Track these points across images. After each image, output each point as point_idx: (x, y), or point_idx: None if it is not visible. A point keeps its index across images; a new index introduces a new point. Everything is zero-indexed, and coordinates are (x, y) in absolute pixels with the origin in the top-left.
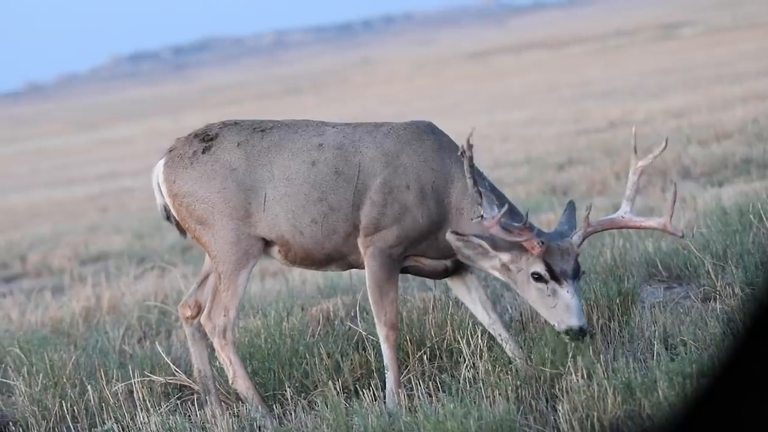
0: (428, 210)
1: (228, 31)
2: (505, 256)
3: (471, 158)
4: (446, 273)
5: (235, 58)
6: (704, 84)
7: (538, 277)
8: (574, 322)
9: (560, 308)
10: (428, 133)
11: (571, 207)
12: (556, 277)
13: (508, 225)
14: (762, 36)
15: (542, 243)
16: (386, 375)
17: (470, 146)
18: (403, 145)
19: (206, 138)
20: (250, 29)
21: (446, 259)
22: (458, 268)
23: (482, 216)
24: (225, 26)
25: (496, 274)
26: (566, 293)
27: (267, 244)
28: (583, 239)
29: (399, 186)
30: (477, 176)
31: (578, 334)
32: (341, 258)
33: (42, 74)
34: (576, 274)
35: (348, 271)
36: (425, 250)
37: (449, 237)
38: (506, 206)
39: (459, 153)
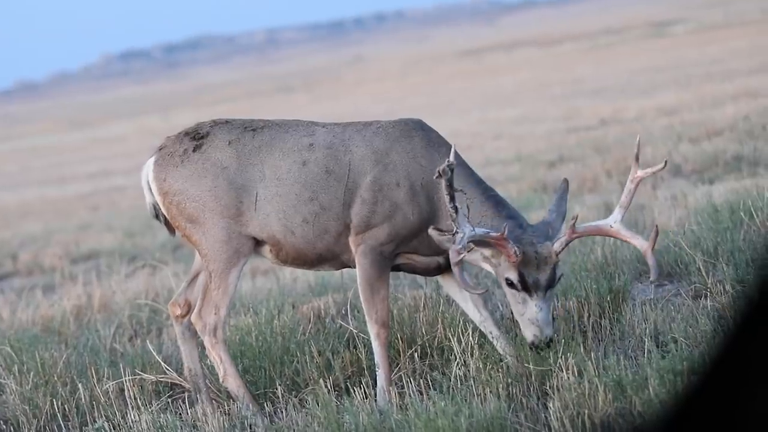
0: (419, 207)
1: (220, 30)
2: (486, 251)
3: (450, 179)
4: (439, 270)
5: (226, 57)
6: (695, 82)
7: (510, 284)
8: (537, 335)
9: (526, 318)
10: (417, 129)
11: (563, 187)
12: (527, 288)
13: (485, 236)
14: (753, 33)
15: (518, 253)
16: (377, 373)
17: (449, 168)
18: (392, 143)
19: (197, 136)
20: (241, 27)
21: (438, 256)
22: (450, 265)
23: (455, 233)
24: (217, 24)
25: (486, 266)
26: (534, 306)
27: (258, 243)
28: (566, 245)
29: (389, 183)
30: (468, 181)
31: (540, 346)
32: (333, 258)
33: (34, 73)
34: (550, 284)
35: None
36: (417, 247)
37: (431, 233)
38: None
39: (435, 177)
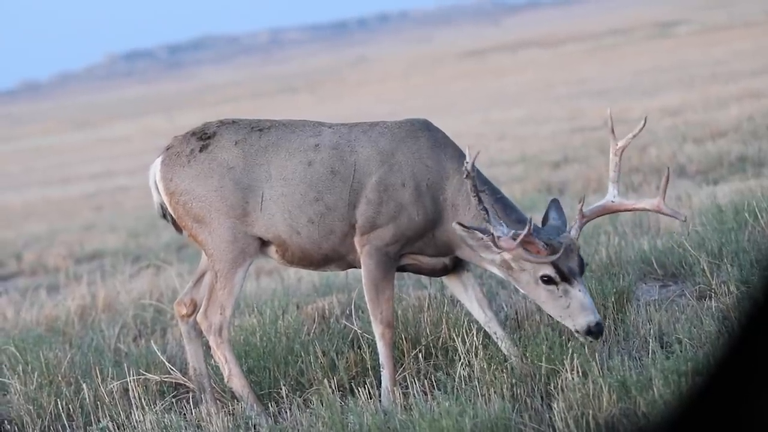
0: (424, 207)
1: (223, 30)
2: (507, 254)
3: (474, 179)
4: (445, 270)
5: (230, 57)
6: (699, 82)
7: (548, 280)
8: (592, 318)
9: (575, 308)
10: (423, 130)
11: (556, 204)
12: (565, 277)
13: (514, 234)
14: (757, 35)
15: (546, 246)
16: (382, 373)
17: (473, 167)
18: (398, 143)
19: (204, 136)
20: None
21: (444, 257)
22: (456, 266)
23: (495, 236)
24: (220, 25)
25: (495, 270)
26: (578, 292)
27: (264, 244)
28: (580, 230)
29: (394, 184)
30: (480, 185)
31: (599, 331)
32: (339, 258)
33: (38, 73)
34: (582, 270)
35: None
36: (422, 248)
37: (455, 227)
38: (528, 226)
39: (464, 176)
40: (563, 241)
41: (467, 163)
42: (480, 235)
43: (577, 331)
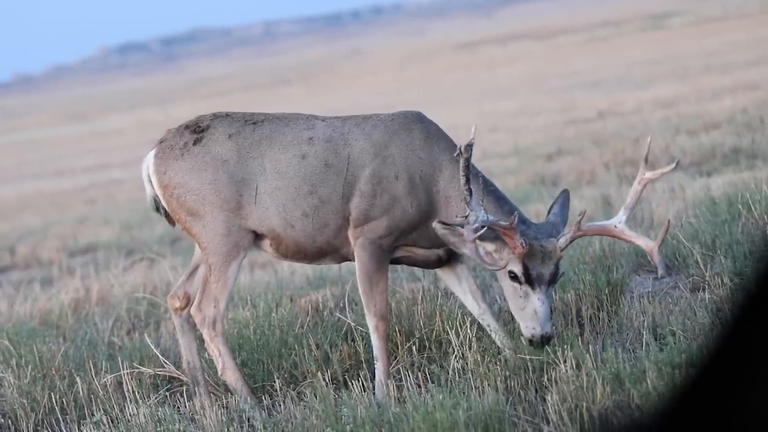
0: (417, 199)
1: (217, 22)
2: (489, 246)
3: (468, 159)
4: (439, 262)
5: (223, 49)
6: (693, 74)
7: (513, 276)
8: (537, 330)
9: (528, 312)
10: (416, 122)
11: (564, 196)
12: (530, 281)
13: (494, 223)
14: (751, 26)
15: (524, 244)
16: (376, 366)
17: (469, 147)
18: (391, 136)
19: (197, 129)
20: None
21: (438, 249)
22: (450, 258)
23: (466, 217)
24: (214, 17)
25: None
26: (536, 300)
27: (258, 237)
28: (570, 242)
29: (388, 176)
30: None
31: (540, 342)
32: (333, 251)
33: (31, 65)
34: (553, 279)
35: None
36: (416, 240)
37: (435, 226)
38: (513, 218)
39: (455, 154)
40: (546, 245)
41: (458, 148)
42: (461, 231)
43: (521, 334)
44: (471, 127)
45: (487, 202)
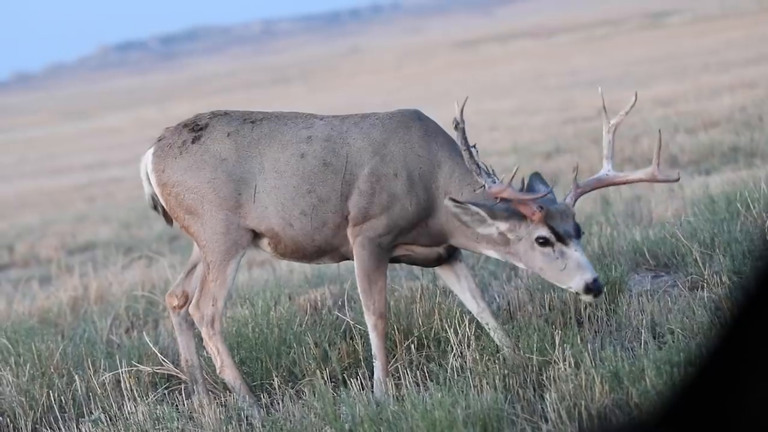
0: (417, 197)
1: (216, 21)
2: (503, 225)
3: (464, 130)
4: (439, 261)
5: (223, 48)
6: (692, 72)
7: (543, 242)
8: (589, 276)
9: (571, 268)
10: (414, 120)
11: (538, 176)
12: (561, 238)
13: (512, 192)
14: (749, 24)
15: (541, 208)
16: (374, 364)
17: (461, 120)
18: (390, 134)
19: (196, 128)
20: (238, 18)
21: (438, 246)
22: (449, 256)
23: (484, 186)
24: (213, 15)
25: (491, 251)
26: (574, 252)
27: (257, 236)
28: (575, 200)
29: (387, 174)
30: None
31: (597, 288)
32: (332, 250)
33: (30, 64)
34: (578, 233)
35: None
36: (416, 238)
37: (447, 203)
38: (513, 175)
39: (453, 125)
40: (558, 206)
41: (454, 119)
42: (474, 209)
43: (577, 293)
44: (469, 126)
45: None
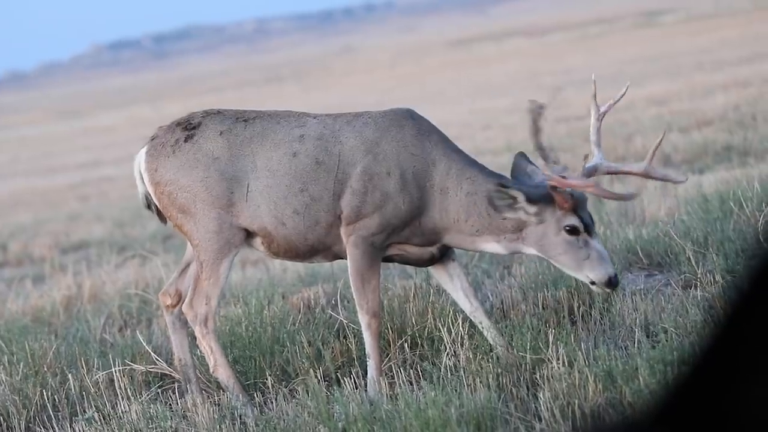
0: (410, 196)
1: (209, 19)
2: (532, 208)
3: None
4: (432, 261)
5: (216, 47)
6: (685, 71)
7: (571, 230)
8: (611, 269)
9: (594, 259)
10: (407, 119)
11: (521, 156)
12: (587, 228)
13: (562, 176)
14: (743, 23)
15: (572, 196)
16: (368, 363)
17: (541, 106)
18: (383, 133)
19: (189, 126)
20: (231, 17)
21: (431, 246)
22: (443, 256)
23: (552, 175)
24: (206, 14)
25: (491, 245)
26: (597, 244)
27: (250, 235)
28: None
29: (379, 173)
30: (467, 160)
31: (617, 282)
32: (325, 249)
33: (23, 63)
34: (593, 224)
35: None
36: (409, 237)
37: (490, 187)
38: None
39: (534, 109)
40: (581, 195)
41: (534, 104)
42: (514, 192)
43: (594, 283)
44: (461, 124)
45: (495, 178)
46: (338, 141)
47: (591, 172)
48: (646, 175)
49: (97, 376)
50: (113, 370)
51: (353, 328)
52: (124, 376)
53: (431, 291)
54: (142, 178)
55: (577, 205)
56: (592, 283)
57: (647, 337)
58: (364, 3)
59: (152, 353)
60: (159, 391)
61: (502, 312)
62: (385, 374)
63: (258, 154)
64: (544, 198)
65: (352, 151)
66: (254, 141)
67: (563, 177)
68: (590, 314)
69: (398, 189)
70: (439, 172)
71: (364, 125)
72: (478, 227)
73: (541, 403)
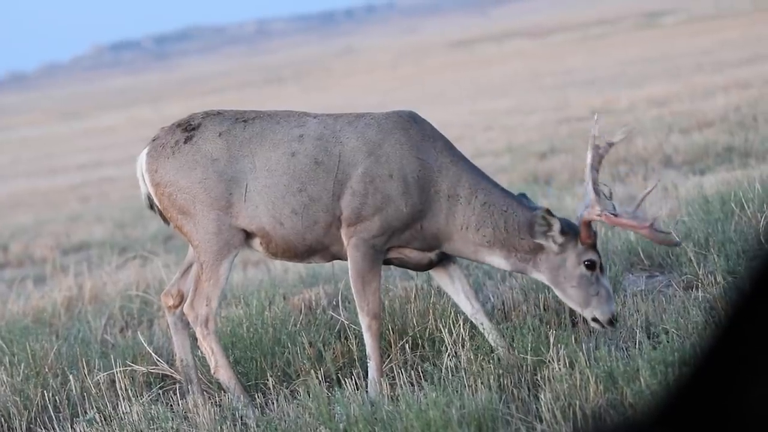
0: (411, 199)
1: (210, 20)
2: (560, 239)
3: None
4: (431, 265)
5: (217, 47)
6: (686, 73)
7: (590, 264)
8: (614, 309)
9: (603, 296)
10: (411, 122)
11: (523, 196)
12: (601, 266)
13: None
14: (744, 24)
15: (595, 233)
16: (368, 364)
17: (610, 143)
18: (386, 135)
19: (188, 128)
20: (232, 18)
21: (431, 252)
22: (442, 259)
23: (600, 210)
24: (207, 15)
25: (495, 258)
26: (606, 282)
27: (249, 236)
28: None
29: (381, 175)
30: (477, 174)
31: (616, 321)
32: (323, 249)
33: (24, 63)
34: None
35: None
36: (410, 240)
37: (538, 213)
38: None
39: (604, 146)
40: (595, 233)
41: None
42: (554, 220)
43: (596, 319)
44: (462, 125)
45: (509, 199)
46: (339, 141)
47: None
48: (650, 237)
49: (98, 377)
50: (114, 371)
51: (354, 329)
52: (125, 377)
53: (432, 292)
54: (144, 179)
55: (594, 241)
56: (594, 319)
57: (648, 338)
58: (365, 4)
59: (153, 354)
60: (160, 392)
61: (503, 313)
62: (386, 375)
63: (257, 154)
64: (571, 230)
65: (354, 152)
66: (253, 141)
67: (614, 215)
68: None
69: (400, 192)
70: (448, 179)
71: (366, 126)
72: (490, 239)
73: (542, 404)
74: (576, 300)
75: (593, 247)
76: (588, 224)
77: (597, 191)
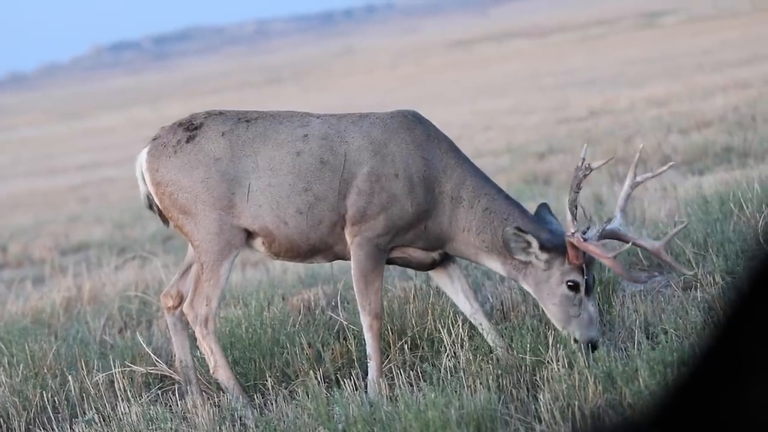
0: (416, 199)
1: (209, 21)
2: (543, 255)
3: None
4: (433, 265)
5: (216, 48)
6: (686, 73)
7: (573, 286)
8: (594, 335)
9: (585, 319)
10: (416, 122)
11: (544, 207)
12: (587, 289)
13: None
14: (743, 25)
15: (584, 255)
16: (368, 364)
17: (589, 168)
18: (391, 134)
19: (191, 127)
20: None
21: (434, 251)
22: (443, 260)
23: (573, 234)
24: (206, 15)
25: (493, 263)
26: (591, 306)
27: (250, 236)
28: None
29: (387, 174)
30: (481, 177)
31: (596, 348)
32: (326, 249)
33: (24, 64)
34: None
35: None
36: (413, 240)
37: (508, 230)
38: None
39: (581, 169)
40: (591, 257)
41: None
42: (530, 237)
43: (576, 341)
44: (461, 125)
45: (510, 206)
46: (344, 141)
47: (608, 235)
48: (657, 255)
49: (97, 378)
50: (113, 371)
51: (353, 330)
52: (124, 377)
53: (431, 292)
54: (143, 179)
55: (586, 263)
56: (575, 340)
57: (647, 338)
58: (365, 4)
59: (152, 355)
60: (159, 392)
61: (502, 314)
62: (385, 375)
63: (260, 153)
64: (557, 247)
65: (359, 151)
66: (256, 141)
67: (584, 239)
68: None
69: (406, 191)
70: (452, 181)
71: (371, 125)
72: (489, 244)
73: (541, 404)
74: (556, 317)
75: (580, 268)
76: (573, 246)
77: (573, 213)
